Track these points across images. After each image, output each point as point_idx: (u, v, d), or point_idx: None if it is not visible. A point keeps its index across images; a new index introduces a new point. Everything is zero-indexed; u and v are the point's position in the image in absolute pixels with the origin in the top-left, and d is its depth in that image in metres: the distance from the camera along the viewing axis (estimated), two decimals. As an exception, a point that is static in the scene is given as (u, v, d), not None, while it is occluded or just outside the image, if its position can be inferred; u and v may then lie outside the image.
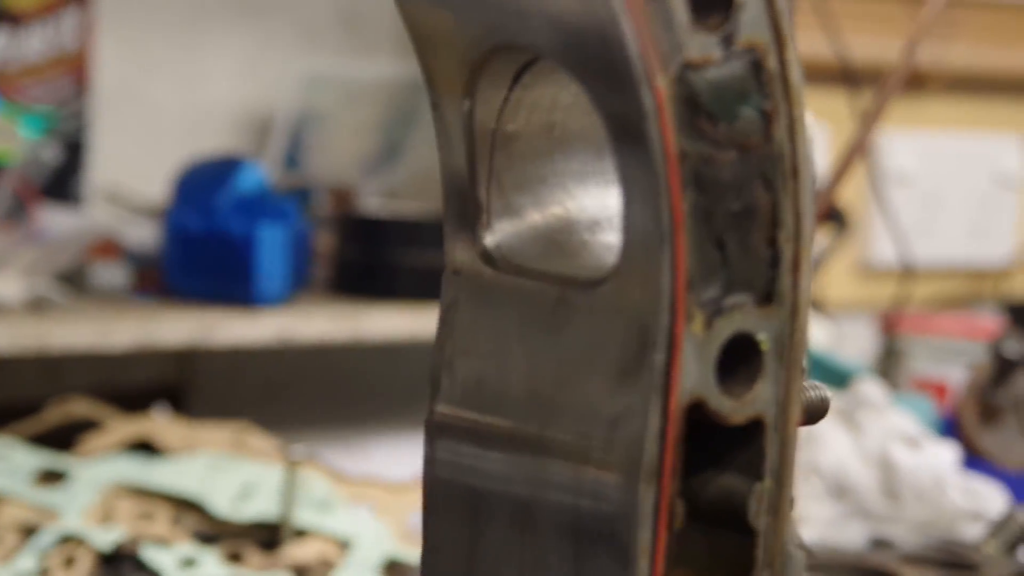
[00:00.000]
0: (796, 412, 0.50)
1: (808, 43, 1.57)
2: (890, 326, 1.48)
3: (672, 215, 0.47)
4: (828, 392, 0.55)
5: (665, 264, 0.47)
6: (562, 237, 0.54)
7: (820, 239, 1.46)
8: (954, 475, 1.05)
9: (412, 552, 1.01)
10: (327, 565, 1.02)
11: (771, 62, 0.48)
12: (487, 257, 0.52)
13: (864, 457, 1.08)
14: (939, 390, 1.41)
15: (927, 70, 1.72)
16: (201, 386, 1.59)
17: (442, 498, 0.56)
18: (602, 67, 0.47)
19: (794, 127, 0.49)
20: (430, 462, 0.57)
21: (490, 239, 0.53)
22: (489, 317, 0.53)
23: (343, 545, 1.04)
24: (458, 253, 0.53)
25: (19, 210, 1.36)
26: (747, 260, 0.49)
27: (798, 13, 1.43)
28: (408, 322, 1.43)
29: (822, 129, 1.68)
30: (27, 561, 0.99)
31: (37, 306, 1.29)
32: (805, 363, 0.51)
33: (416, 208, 1.48)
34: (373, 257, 1.42)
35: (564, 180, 0.54)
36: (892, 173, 1.78)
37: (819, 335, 1.27)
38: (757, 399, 0.50)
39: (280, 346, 1.38)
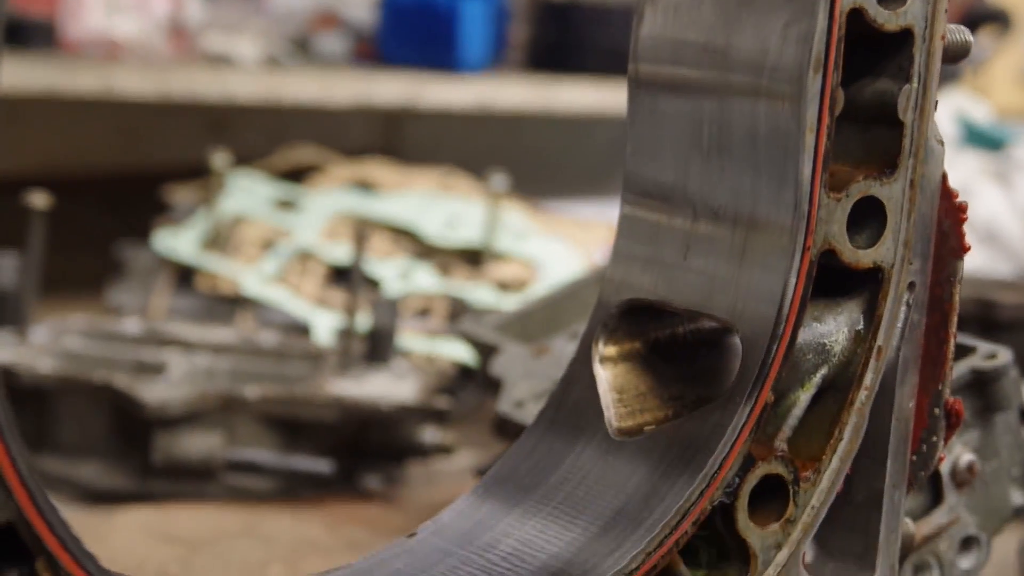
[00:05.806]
0: (942, 25, 0.61)
1: None
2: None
3: None
4: (971, 36, 0.65)
5: None
6: None
7: (982, 40, 1.52)
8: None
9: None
10: (522, 282, 1.16)
11: None
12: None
13: (1014, 209, 1.17)
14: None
15: None
16: (407, 147, 1.74)
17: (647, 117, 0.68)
18: None
19: None
20: (634, 109, 0.69)
21: None
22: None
23: (536, 267, 1.17)
24: None
25: (252, -16, 1.50)
26: None
27: None
28: (594, 96, 1.55)
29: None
30: (269, 266, 1.14)
31: (270, 64, 1.45)
32: (950, -14, 0.61)
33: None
34: (564, 36, 1.54)
35: None
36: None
37: (979, 110, 1.34)
38: (909, 11, 0.61)
39: (479, 111, 1.51)
